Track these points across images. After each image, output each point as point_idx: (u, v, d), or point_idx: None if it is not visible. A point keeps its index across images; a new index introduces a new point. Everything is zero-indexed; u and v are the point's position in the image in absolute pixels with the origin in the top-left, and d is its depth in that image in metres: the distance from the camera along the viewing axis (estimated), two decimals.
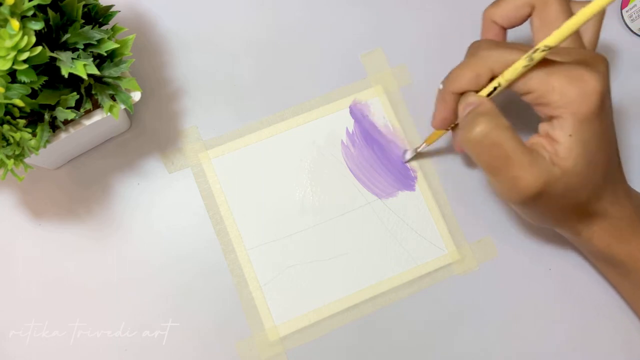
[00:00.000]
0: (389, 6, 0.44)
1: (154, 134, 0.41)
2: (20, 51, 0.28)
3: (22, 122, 0.31)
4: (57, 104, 0.32)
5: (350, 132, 0.42)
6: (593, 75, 0.29)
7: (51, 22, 0.31)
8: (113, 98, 0.34)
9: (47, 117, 0.33)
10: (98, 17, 0.34)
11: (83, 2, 0.32)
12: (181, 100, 0.42)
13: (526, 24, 0.34)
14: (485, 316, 0.40)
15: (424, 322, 0.40)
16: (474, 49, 0.32)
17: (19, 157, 0.31)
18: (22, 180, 0.33)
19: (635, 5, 0.44)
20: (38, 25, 0.29)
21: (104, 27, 0.34)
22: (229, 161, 0.41)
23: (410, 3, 0.44)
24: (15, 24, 0.27)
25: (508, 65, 0.30)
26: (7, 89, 0.29)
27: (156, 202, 0.40)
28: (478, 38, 0.34)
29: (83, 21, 0.32)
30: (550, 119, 0.31)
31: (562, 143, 0.30)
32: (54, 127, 0.34)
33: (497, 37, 0.35)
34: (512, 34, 0.36)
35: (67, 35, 0.32)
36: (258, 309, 0.39)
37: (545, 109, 0.30)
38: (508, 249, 0.41)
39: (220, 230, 0.40)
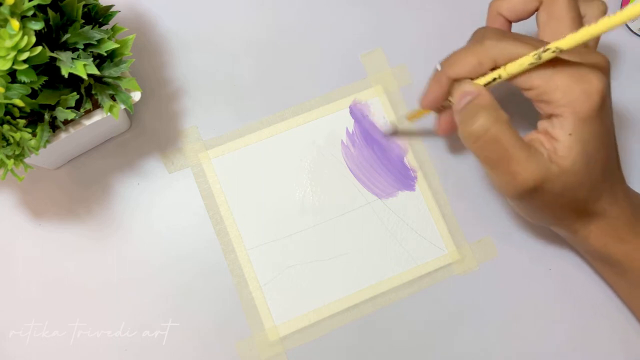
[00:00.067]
0: (389, 6, 0.44)
1: (154, 134, 0.41)
2: (20, 51, 0.28)
3: (22, 122, 0.31)
4: (57, 104, 0.32)
5: (350, 132, 0.42)
6: (596, 75, 0.29)
7: (51, 22, 0.31)
8: (113, 98, 0.34)
9: (47, 117, 0.33)
10: (98, 17, 0.34)
11: (83, 2, 0.32)
12: (181, 100, 0.42)
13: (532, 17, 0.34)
14: (485, 316, 0.40)
15: (424, 322, 0.40)
16: (480, 36, 0.31)
17: (19, 157, 0.31)
18: (22, 180, 0.33)
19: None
20: (38, 25, 0.29)
21: (104, 27, 0.34)
22: (229, 161, 0.41)
23: (410, 3, 0.44)
24: (15, 24, 0.27)
25: (513, 59, 0.30)
26: (7, 89, 0.29)
27: (156, 202, 0.40)
28: None
29: (83, 21, 0.32)
30: (550, 116, 0.31)
31: (561, 141, 0.30)
32: (54, 127, 0.34)
33: None
34: (514, 26, 0.35)
35: (67, 35, 0.32)
36: (258, 309, 0.39)
37: (547, 106, 0.30)
38: (508, 249, 0.41)
39: (220, 230, 0.40)
